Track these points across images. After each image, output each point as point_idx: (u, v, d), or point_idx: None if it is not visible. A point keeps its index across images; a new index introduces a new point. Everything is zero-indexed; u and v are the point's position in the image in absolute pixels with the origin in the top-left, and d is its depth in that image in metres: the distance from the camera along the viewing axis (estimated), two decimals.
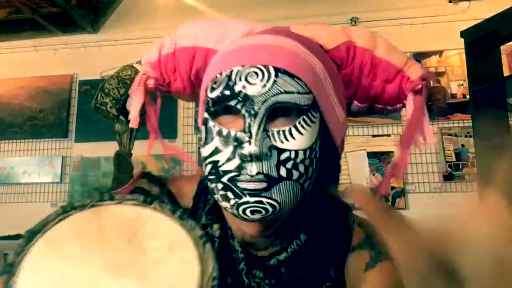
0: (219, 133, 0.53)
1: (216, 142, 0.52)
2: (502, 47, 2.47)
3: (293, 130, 0.52)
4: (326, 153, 0.55)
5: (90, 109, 3.27)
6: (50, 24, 4.13)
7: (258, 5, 4.06)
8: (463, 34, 2.40)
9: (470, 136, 3.37)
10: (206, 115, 0.55)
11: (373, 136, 3.55)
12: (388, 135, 3.56)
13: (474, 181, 3.26)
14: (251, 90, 0.51)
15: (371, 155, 3.50)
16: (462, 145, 3.47)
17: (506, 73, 2.89)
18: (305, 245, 0.57)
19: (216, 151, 0.52)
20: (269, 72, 0.51)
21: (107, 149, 3.63)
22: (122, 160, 3.16)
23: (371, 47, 0.59)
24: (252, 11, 4.05)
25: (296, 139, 0.51)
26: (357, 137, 3.53)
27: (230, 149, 0.51)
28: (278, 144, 0.51)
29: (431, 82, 3.69)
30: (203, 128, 0.56)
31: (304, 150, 0.51)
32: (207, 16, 4.07)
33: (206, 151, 0.54)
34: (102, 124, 3.78)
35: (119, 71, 3.15)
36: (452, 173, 3.42)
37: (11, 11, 4.05)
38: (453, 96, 3.61)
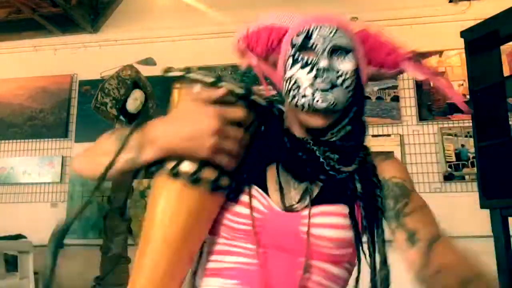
0: (302, 59, 0.82)
1: (299, 64, 0.82)
2: (502, 47, 2.47)
3: (346, 60, 0.83)
4: (358, 84, 0.85)
5: (90, 109, 3.27)
6: (50, 24, 4.13)
7: (258, 5, 4.06)
8: (463, 34, 2.40)
9: (470, 136, 3.37)
10: (291, 52, 0.84)
11: (373, 136, 3.55)
12: (388, 135, 3.56)
13: (474, 181, 3.26)
14: (322, 34, 0.82)
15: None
16: (462, 145, 3.47)
17: (506, 73, 2.89)
18: (349, 135, 0.86)
19: (300, 68, 0.81)
20: (333, 27, 0.83)
21: None
22: None
23: (379, 33, 0.92)
24: (252, 11, 4.05)
25: (346, 66, 0.82)
26: None
27: (309, 67, 0.81)
28: (337, 65, 0.82)
29: (431, 83, 3.69)
30: (288, 62, 0.84)
31: (351, 74, 0.82)
32: (207, 17, 4.08)
33: (291, 71, 0.82)
34: (102, 124, 3.77)
35: (119, 71, 3.15)
36: (452, 173, 3.42)
37: (11, 11, 4.05)
38: None
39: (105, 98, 3.02)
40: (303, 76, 0.80)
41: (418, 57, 0.90)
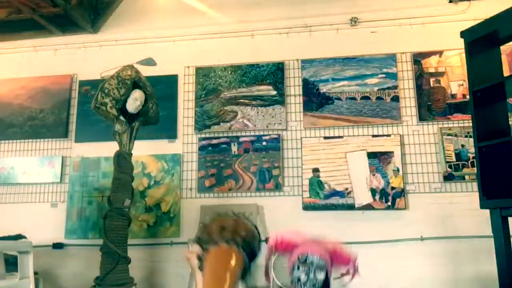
0: (301, 268, 1.67)
1: (300, 270, 1.67)
2: (502, 47, 2.47)
3: (321, 273, 1.68)
4: (326, 279, 1.69)
5: (90, 109, 3.27)
6: (50, 24, 4.13)
7: (258, 5, 4.06)
8: (463, 34, 2.41)
9: (470, 136, 3.37)
10: (297, 263, 1.68)
11: (373, 136, 3.55)
12: (388, 135, 3.56)
13: (474, 181, 3.26)
14: (312, 260, 1.68)
15: (371, 155, 3.49)
16: (462, 145, 3.47)
17: (506, 73, 2.89)
18: None
19: (300, 273, 1.67)
20: (318, 257, 1.69)
21: (107, 149, 3.62)
22: (122, 160, 3.16)
23: (342, 249, 1.76)
24: (252, 11, 4.05)
25: (321, 276, 1.67)
26: (357, 137, 3.53)
27: (304, 273, 1.67)
28: (317, 276, 1.67)
29: (432, 82, 3.69)
30: (295, 267, 1.69)
31: (323, 279, 1.67)
32: (207, 16, 4.08)
33: (296, 273, 1.67)
34: (102, 124, 3.78)
35: (119, 71, 3.15)
36: (452, 173, 3.42)
37: (11, 11, 4.05)
38: (453, 96, 3.61)
39: (105, 98, 3.02)
40: (301, 278, 1.64)
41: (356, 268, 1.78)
